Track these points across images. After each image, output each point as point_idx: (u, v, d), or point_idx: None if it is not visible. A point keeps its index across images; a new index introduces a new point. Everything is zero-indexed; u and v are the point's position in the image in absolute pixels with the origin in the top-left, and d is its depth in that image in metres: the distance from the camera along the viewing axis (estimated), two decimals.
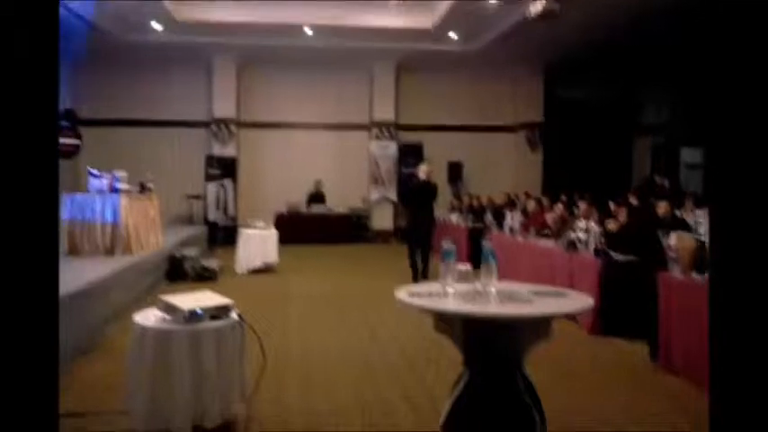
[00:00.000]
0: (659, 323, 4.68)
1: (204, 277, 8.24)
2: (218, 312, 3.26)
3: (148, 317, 3.21)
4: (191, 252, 8.71)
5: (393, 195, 14.06)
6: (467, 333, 2.60)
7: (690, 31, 10.91)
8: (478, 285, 2.68)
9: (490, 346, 2.58)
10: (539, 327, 2.60)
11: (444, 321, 2.66)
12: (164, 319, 3.17)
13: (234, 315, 3.32)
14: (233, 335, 3.25)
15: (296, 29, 12.09)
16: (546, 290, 2.89)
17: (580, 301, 2.75)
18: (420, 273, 8.32)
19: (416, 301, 2.61)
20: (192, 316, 3.13)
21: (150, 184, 8.37)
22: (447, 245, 2.78)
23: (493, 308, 2.54)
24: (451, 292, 2.68)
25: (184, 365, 2.99)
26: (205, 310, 3.19)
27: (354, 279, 8.78)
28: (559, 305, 2.66)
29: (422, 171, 8.79)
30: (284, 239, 11.57)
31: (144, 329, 3.09)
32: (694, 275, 4.49)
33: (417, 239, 8.49)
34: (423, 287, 2.93)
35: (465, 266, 2.79)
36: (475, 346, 2.63)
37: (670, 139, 14.64)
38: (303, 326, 5.90)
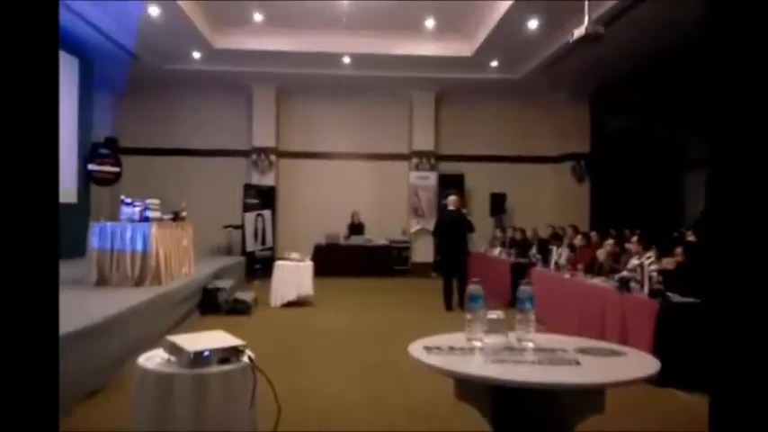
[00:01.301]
0: None
1: (237, 310, 8.02)
2: (228, 355, 2.95)
3: (153, 358, 2.93)
4: (225, 283, 8.52)
5: (433, 227, 13.67)
6: (495, 403, 2.10)
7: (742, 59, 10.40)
8: (513, 338, 2.28)
9: (525, 421, 2.08)
10: (588, 398, 2.07)
11: (467, 387, 2.18)
12: (168, 361, 2.88)
13: (245, 358, 3.00)
14: (244, 380, 2.93)
15: (334, 57, 12.04)
16: (596, 346, 2.40)
17: (641, 363, 2.24)
18: (457, 304, 8.33)
19: (432, 360, 2.13)
20: (198, 358, 2.83)
21: (184, 213, 8.26)
22: (474, 287, 2.36)
23: (528, 372, 2.03)
24: (478, 347, 2.25)
25: (187, 412, 2.69)
26: (213, 351, 2.89)
27: (389, 314, 8.36)
28: (615, 369, 2.14)
29: (451, 202, 9.01)
30: (322, 271, 11.40)
31: (146, 372, 2.80)
32: None
33: (451, 270, 8.66)
34: (444, 339, 2.46)
35: (496, 314, 2.37)
36: (506, 420, 2.12)
37: None
38: (329, 368, 5.42)
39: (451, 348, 2.26)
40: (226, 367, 2.87)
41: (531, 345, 2.24)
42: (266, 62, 12.38)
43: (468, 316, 2.34)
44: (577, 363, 2.11)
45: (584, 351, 2.24)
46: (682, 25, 9.08)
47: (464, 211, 9.13)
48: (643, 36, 9.68)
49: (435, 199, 13.73)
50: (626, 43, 9.82)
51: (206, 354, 2.85)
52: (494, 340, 2.27)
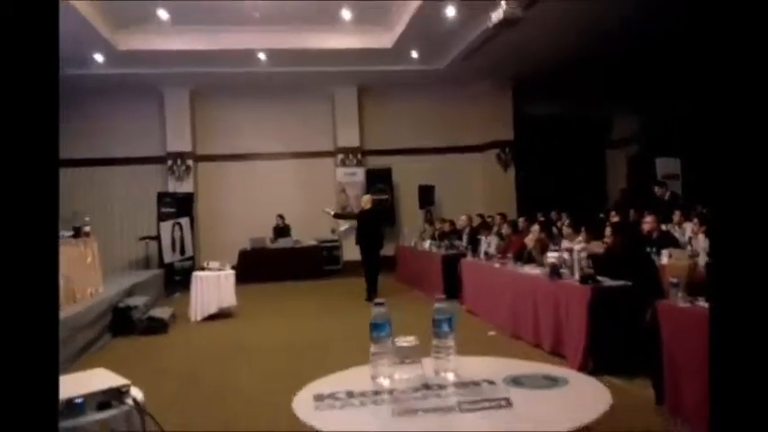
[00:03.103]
0: (663, 360, 4.01)
1: (153, 329, 7.41)
2: (108, 398, 2.48)
3: None
4: (138, 300, 7.89)
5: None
6: None
7: (660, 42, 10.61)
8: (429, 369, 1.90)
9: None
10: None
11: None
12: None
13: (130, 401, 2.54)
14: (127, 427, 2.47)
15: (249, 54, 11.48)
16: (530, 372, 1.94)
17: (586, 395, 1.76)
18: (365, 299, 8.93)
19: (320, 422, 1.64)
20: (70, 407, 2.35)
21: (87, 228, 7.56)
22: (378, 312, 1.90)
23: (448, 424, 1.58)
24: (385, 390, 1.81)
25: None
26: (88, 397, 2.41)
27: (318, 323, 7.86)
28: (557, 412, 1.65)
29: (364, 201, 9.95)
30: (248, 279, 10.86)
31: None
32: (699, 303, 3.84)
33: (367, 265, 9.45)
34: (343, 379, 2.00)
35: (407, 340, 1.88)
36: None
37: (644, 150, 14.24)
38: (246, 399, 4.77)
39: (350, 395, 1.80)
40: (106, 413, 2.41)
41: (451, 377, 1.86)
42: (176, 63, 11.67)
43: (373, 348, 1.89)
44: (508, 403, 1.67)
45: (515, 382, 1.83)
46: (601, 7, 9.11)
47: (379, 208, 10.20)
48: (562, 19, 9.62)
49: (367, 193, 13.31)
50: (545, 27, 9.76)
51: (78, 401, 2.37)
52: (406, 375, 1.86)
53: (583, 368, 4.90)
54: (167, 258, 11.47)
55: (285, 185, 13.75)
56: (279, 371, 5.45)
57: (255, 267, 11.80)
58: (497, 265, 7.22)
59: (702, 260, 5.47)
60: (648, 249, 6.22)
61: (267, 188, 13.65)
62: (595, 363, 4.87)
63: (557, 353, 5.46)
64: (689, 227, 7.55)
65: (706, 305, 3.77)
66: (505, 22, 6.82)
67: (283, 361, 5.86)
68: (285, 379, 5.13)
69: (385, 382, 1.85)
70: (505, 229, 8.47)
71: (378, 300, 1.96)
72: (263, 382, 5.14)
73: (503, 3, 7.25)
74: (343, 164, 13.85)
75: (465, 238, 9.79)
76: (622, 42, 10.55)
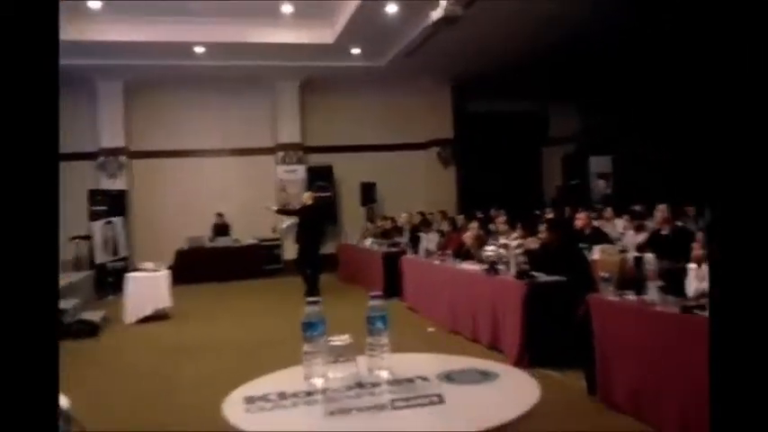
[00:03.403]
0: (595, 352, 4.13)
1: (82, 333, 7.10)
2: None
3: None
4: (67, 303, 7.54)
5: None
6: None
7: (597, 42, 10.97)
8: (363, 367, 1.88)
9: None
10: None
11: None
12: None
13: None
14: None
15: (186, 47, 11.18)
16: (463, 367, 1.95)
17: (516, 390, 1.77)
18: (305, 293, 8.59)
19: (250, 424, 1.60)
20: None
21: None
22: (311, 310, 1.87)
23: (380, 424, 1.57)
24: (318, 390, 1.78)
25: None
26: None
27: (258, 323, 7.72)
28: (487, 407, 1.66)
29: (305, 197, 10.13)
30: (186, 279, 10.55)
31: None
32: (629, 296, 3.98)
33: (307, 263, 9.48)
34: (275, 381, 1.96)
35: (341, 339, 1.87)
36: None
37: (579, 148, 14.70)
38: (184, 398, 4.69)
39: (282, 396, 1.76)
40: None
41: (385, 375, 1.84)
42: (109, 54, 11.23)
43: (306, 347, 1.86)
44: (440, 399, 1.67)
45: (448, 378, 1.83)
46: (540, 7, 9.31)
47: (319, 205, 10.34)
48: (502, 17, 9.77)
49: (309, 190, 13.13)
50: (485, 25, 9.88)
51: None
52: (340, 374, 1.84)
53: (519, 362, 5.01)
54: (99, 259, 11.02)
55: (224, 183, 13.44)
56: (214, 373, 5.31)
57: (193, 267, 11.50)
58: (437, 262, 7.29)
59: (632, 255, 5.66)
60: (581, 245, 6.41)
61: (205, 186, 13.32)
62: (531, 356, 4.98)
63: (494, 347, 5.55)
64: (620, 223, 7.83)
65: (635, 298, 3.91)
66: (445, 21, 6.87)
67: (219, 363, 5.71)
68: (220, 382, 4.97)
69: (318, 382, 1.82)
70: (445, 227, 8.56)
71: (311, 298, 1.92)
72: (197, 385, 4.99)
73: (442, 1, 7.29)
74: (284, 161, 13.67)
75: (406, 235, 9.83)
76: (561, 41, 10.82)
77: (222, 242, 12.31)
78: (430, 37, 10.22)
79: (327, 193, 13.57)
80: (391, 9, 9.88)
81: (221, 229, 12.58)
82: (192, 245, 12.06)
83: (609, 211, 8.34)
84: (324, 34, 11.36)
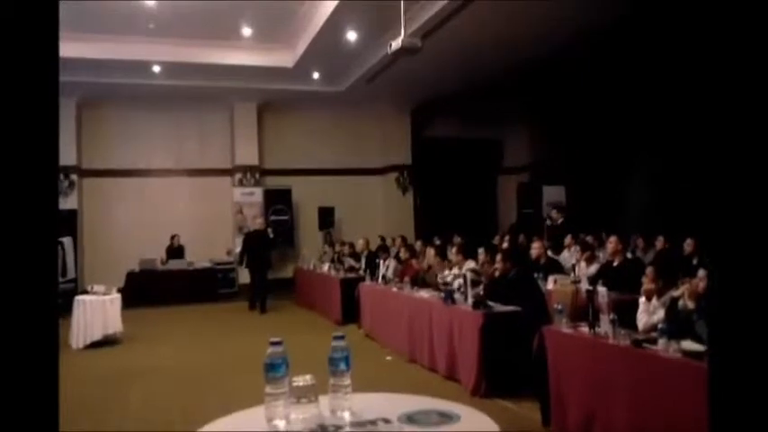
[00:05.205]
0: (549, 383, 4.21)
1: None
2: None
3: None
4: None
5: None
6: None
7: (553, 73, 11.33)
8: (325, 408, 1.88)
9: None
10: None
11: None
12: None
13: None
14: None
15: (142, 66, 11.04)
16: (424, 408, 1.93)
17: None
18: (259, 311, 10.36)
19: None
20: None
21: None
22: (273, 350, 1.84)
23: None
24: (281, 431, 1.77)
25: None
26: None
27: (211, 350, 7.55)
28: None
29: (256, 223, 11.27)
30: (137, 302, 10.26)
31: None
32: (582, 328, 4.07)
33: (255, 283, 10.63)
34: (235, 423, 1.91)
35: (303, 379, 1.85)
36: None
37: (533, 177, 15.05)
38: (135, 427, 4.66)
39: None
40: None
41: (347, 417, 1.84)
42: (62, 70, 10.87)
43: (268, 388, 1.82)
44: None
45: (410, 419, 1.83)
46: (498, 37, 9.58)
47: (269, 229, 11.19)
48: (461, 47, 10.02)
49: (262, 215, 13.02)
50: (444, 54, 10.10)
51: None
52: (302, 415, 1.83)
53: (476, 392, 5.05)
54: None
55: (179, 204, 13.21)
56: (165, 403, 5.18)
57: (145, 290, 11.21)
58: (395, 290, 7.30)
59: (584, 286, 5.81)
60: (536, 275, 6.55)
61: (159, 207, 13.07)
62: (488, 386, 5.03)
63: (452, 377, 5.58)
64: (573, 253, 8.03)
65: (587, 330, 4.01)
66: (405, 51, 6.97)
67: (171, 391, 5.58)
68: (172, 412, 4.90)
69: (281, 424, 1.80)
70: (403, 253, 8.61)
71: (273, 339, 1.90)
72: (149, 413, 4.86)
73: (402, 31, 7.42)
74: (241, 183, 13.54)
75: (363, 261, 9.84)
76: (517, 69, 11.12)
77: (175, 265, 12.03)
78: (389, 65, 10.38)
79: (285, 216, 13.50)
80: (351, 37, 10.01)
81: (175, 251, 12.32)
82: (145, 267, 11.76)
83: (569, 238, 8.55)
84: (284, 58, 11.40)
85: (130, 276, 11.50)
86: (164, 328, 9.20)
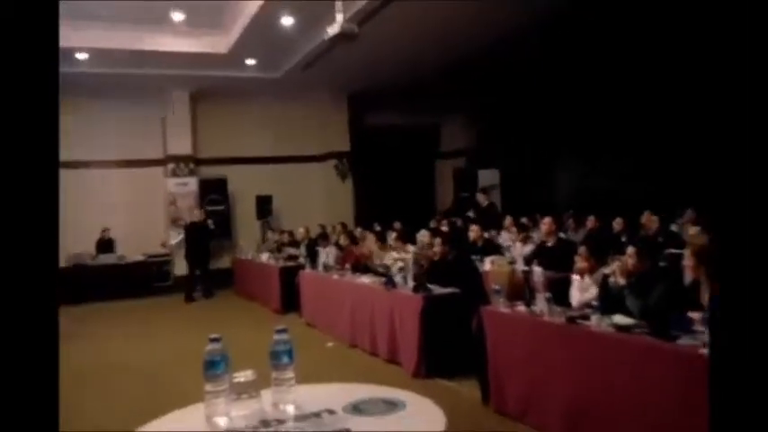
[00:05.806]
0: (488, 362, 4.30)
1: None
2: None
3: None
4: None
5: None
6: None
7: (489, 59, 11.49)
8: (267, 405, 1.85)
9: None
10: None
11: None
12: None
13: None
14: None
15: (66, 53, 10.46)
16: (370, 397, 1.93)
17: (423, 420, 1.80)
18: (201, 295, 10.92)
19: None
20: None
21: None
22: (212, 347, 1.79)
23: None
24: (222, 429, 1.73)
25: None
26: None
27: (145, 346, 7.33)
28: None
29: (195, 214, 11.48)
30: (68, 299, 9.83)
31: None
32: (519, 307, 4.18)
33: (195, 267, 11.08)
34: (175, 422, 1.87)
35: (244, 375, 1.82)
36: None
37: (470, 162, 15.30)
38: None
39: None
40: None
41: (291, 410, 1.81)
42: None
43: (207, 386, 1.77)
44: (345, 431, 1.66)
45: (356, 409, 1.81)
46: (435, 23, 9.61)
47: (209, 221, 11.48)
48: (397, 34, 9.99)
49: (197, 206, 12.67)
50: (381, 40, 10.04)
51: None
52: (243, 411, 1.79)
53: (417, 374, 5.12)
54: None
55: (110, 196, 12.66)
56: (103, 402, 5.01)
57: (74, 287, 10.75)
58: (336, 277, 7.29)
59: (520, 267, 5.97)
60: (474, 257, 6.67)
61: (89, 199, 12.48)
62: (428, 367, 5.11)
63: (393, 360, 5.63)
64: (507, 235, 8.23)
65: (524, 309, 4.12)
66: (342, 37, 6.89)
67: (108, 389, 5.39)
68: (112, 412, 4.74)
69: (221, 422, 1.76)
70: (343, 240, 8.59)
71: (213, 336, 1.85)
72: (87, 417, 4.67)
73: (338, 17, 7.34)
74: (175, 173, 13.13)
75: (303, 249, 9.76)
76: (453, 56, 11.23)
77: (106, 259, 11.60)
78: (326, 51, 10.26)
79: (221, 207, 13.19)
80: (287, 22, 9.82)
81: (105, 245, 11.86)
82: (74, 262, 11.28)
83: (509, 220, 8.74)
84: (217, 44, 11.07)
85: (60, 272, 11.00)
86: (97, 325, 8.92)
